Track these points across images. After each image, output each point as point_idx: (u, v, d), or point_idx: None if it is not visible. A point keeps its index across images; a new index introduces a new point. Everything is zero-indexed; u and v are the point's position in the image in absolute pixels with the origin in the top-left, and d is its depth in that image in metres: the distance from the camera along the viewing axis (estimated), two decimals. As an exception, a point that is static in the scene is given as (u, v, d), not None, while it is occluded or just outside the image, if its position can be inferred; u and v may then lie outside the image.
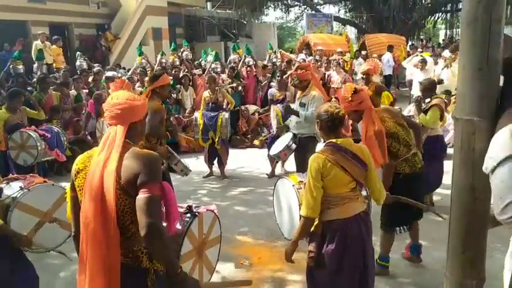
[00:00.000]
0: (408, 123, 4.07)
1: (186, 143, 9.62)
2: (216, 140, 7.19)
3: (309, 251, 2.90)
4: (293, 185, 3.29)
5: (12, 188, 3.06)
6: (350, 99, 3.58)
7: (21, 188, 3.01)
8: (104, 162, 2.00)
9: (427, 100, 5.71)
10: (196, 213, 2.34)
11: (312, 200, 2.75)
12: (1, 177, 3.15)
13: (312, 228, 2.92)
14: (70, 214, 2.22)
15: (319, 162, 2.78)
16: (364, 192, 3.05)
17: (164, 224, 2.05)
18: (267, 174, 7.44)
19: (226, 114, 7.34)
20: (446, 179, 6.58)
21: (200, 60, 11.93)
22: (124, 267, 1.98)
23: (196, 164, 8.39)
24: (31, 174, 3.40)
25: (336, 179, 2.79)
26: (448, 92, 9.28)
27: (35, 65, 10.01)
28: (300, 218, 2.85)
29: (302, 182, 3.23)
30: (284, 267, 4.31)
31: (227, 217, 5.61)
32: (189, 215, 2.33)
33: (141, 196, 1.90)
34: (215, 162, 7.58)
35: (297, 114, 5.40)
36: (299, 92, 5.66)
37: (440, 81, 9.25)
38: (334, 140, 2.87)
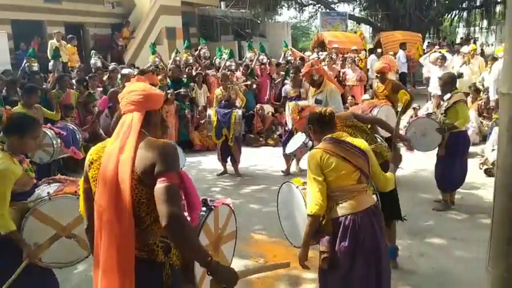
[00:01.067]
0: (365, 120, 4.03)
1: (200, 141, 9.59)
2: (230, 137, 7.15)
3: (321, 251, 2.78)
4: (297, 187, 3.15)
5: (43, 192, 2.91)
6: (298, 118, 3.83)
7: (47, 194, 2.81)
8: (119, 150, 1.94)
9: (447, 96, 5.55)
10: (212, 207, 2.28)
11: (317, 195, 2.67)
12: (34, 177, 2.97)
13: (323, 229, 2.81)
14: (83, 207, 2.17)
15: (316, 156, 2.75)
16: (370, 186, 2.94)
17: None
18: (282, 171, 7.36)
19: (240, 111, 7.29)
20: (467, 177, 6.49)
21: (215, 58, 11.88)
22: (139, 261, 1.92)
23: (210, 162, 8.37)
24: (72, 179, 3.17)
25: (338, 169, 2.72)
26: (470, 88, 9.10)
27: (51, 63, 10.05)
28: (308, 217, 2.74)
29: (306, 183, 3.10)
30: (299, 265, 4.22)
31: (241, 215, 5.53)
32: (204, 208, 2.26)
33: (160, 186, 1.84)
34: (228, 160, 7.53)
35: None
36: (312, 90, 5.57)
37: (460, 75, 9.05)
38: (329, 136, 2.86)
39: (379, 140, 3.99)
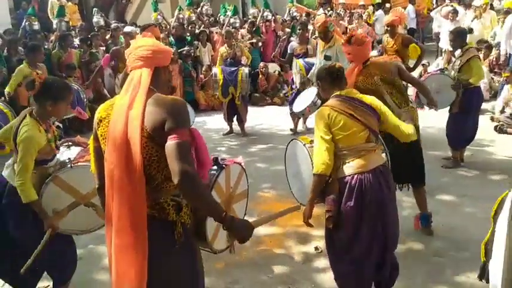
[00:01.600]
0: (408, 79, 3.96)
1: (205, 100, 9.50)
2: (237, 95, 7.03)
3: (326, 210, 2.73)
4: (304, 144, 3.06)
5: (64, 156, 2.87)
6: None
7: (68, 160, 2.79)
8: (128, 106, 1.87)
9: (458, 52, 5.38)
10: (224, 166, 2.23)
11: (324, 154, 2.60)
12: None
13: (329, 188, 2.75)
14: (93, 166, 2.13)
15: (324, 113, 2.67)
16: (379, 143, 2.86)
17: None
18: (291, 129, 7.30)
19: (246, 69, 7.14)
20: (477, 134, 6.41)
21: (219, 15, 11.55)
22: (150, 218, 1.89)
23: (215, 121, 8.31)
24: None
25: (346, 127, 2.64)
26: (480, 43, 8.84)
27: (55, 22, 9.78)
28: (314, 176, 2.69)
29: (313, 141, 3.01)
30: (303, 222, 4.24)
31: (249, 174, 5.40)
32: (215, 167, 2.22)
33: (171, 143, 1.78)
34: (234, 119, 7.45)
35: None
36: (321, 45, 5.40)
37: (471, 30, 8.78)
38: (338, 93, 2.77)
39: (411, 104, 3.90)
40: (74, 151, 2.96)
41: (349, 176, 2.65)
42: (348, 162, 2.66)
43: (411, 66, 6.43)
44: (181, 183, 1.75)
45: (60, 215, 2.75)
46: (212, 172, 2.20)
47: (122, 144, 1.84)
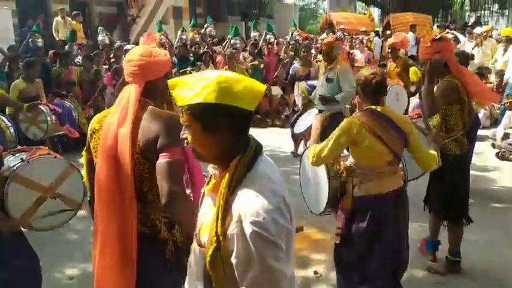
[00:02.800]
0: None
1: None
2: None
3: (337, 227, 2.70)
4: None
5: (15, 160, 2.77)
6: (429, 44, 3.30)
7: (22, 160, 2.69)
8: (118, 123, 1.83)
9: None
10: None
11: (326, 151, 2.57)
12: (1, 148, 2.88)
13: (342, 204, 2.72)
14: (86, 178, 2.07)
15: (353, 126, 2.57)
16: (400, 165, 2.81)
17: (188, 193, 1.88)
18: (291, 152, 7.22)
19: None
20: (475, 159, 6.34)
21: (229, 37, 11.58)
22: (141, 236, 1.82)
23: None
24: (38, 146, 3.11)
25: (371, 149, 2.55)
26: (483, 69, 8.88)
27: (67, 46, 9.79)
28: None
29: None
30: (307, 246, 4.15)
31: (248, 195, 5.42)
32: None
33: (162, 161, 1.73)
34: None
35: (334, 100, 5.11)
36: (323, 67, 5.39)
37: (472, 56, 8.83)
38: (373, 107, 2.62)
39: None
40: (19, 156, 2.84)
41: (366, 196, 2.60)
42: (366, 183, 2.60)
43: (412, 91, 6.42)
44: (168, 205, 1.69)
45: (29, 213, 2.64)
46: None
47: (112, 159, 1.80)
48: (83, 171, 2.12)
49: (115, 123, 1.84)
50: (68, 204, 2.60)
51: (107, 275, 1.82)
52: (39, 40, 8.67)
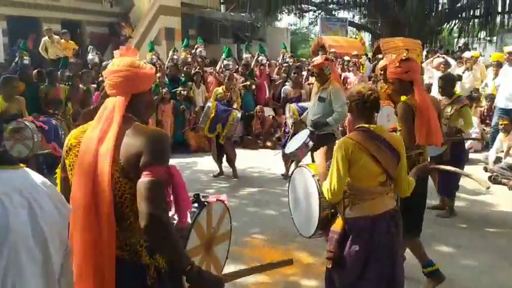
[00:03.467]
0: None
1: (196, 142, 9.35)
2: (223, 135, 6.88)
3: (328, 251, 2.57)
4: (313, 175, 2.95)
5: None
6: (397, 65, 3.40)
7: None
8: (99, 139, 1.70)
9: (442, 98, 5.37)
10: (205, 203, 2.03)
11: (336, 182, 2.41)
12: None
13: (334, 226, 2.60)
14: None
15: (348, 146, 2.46)
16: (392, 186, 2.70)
17: (172, 214, 1.75)
18: (282, 174, 7.10)
19: (239, 114, 7.05)
20: (468, 183, 6.28)
21: (222, 58, 11.57)
22: (120, 262, 1.68)
23: (205, 163, 8.12)
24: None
25: (365, 169, 2.46)
26: (471, 94, 8.94)
27: (59, 72, 9.69)
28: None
29: None
30: (298, 271, 4.00)
31: (237, 217, 5.27)
32: (196, 204, 2.03)
33: (144, 180, 1.60)
34: (224, 160, 7.29)
35: (327, 124, 5.05)
36: (316, 88, 5.35)
37: (460, 77, 8.90)
38: (366, 126, 2.54)
39: None
40: None
41: (358, 218, 2.49)
42: (358, 204, 2.50)
43: None
44: (148, 228, 1.56)
45: None
46: (192, 210, 2.00)
47: (90, 179, 1.66)
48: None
49: (95, 139, 1.71)
50: None
51: None
52: (26, 58, 8.60)
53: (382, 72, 6.29)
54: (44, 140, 5.36)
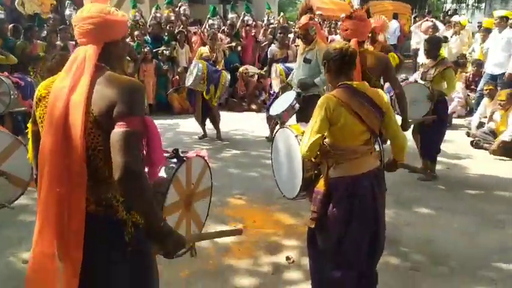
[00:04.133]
0: (393, 82, 3.83)
1: (179, 103, 9.19)
2: (217, 96, 6.73)
3: (312, 211, 2.54)
4: (296, 136, 2.90)
5: None
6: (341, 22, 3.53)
7: None
8: (70, 89, 1.60)
9: (427, 61, 5.32)
10: (184, 158, 1.96)
11: (312, 137, 2.36)
12: None
13: (317, 186, 2.56)
14: (31, 152, 1.84)
15: (330, 103, 2.39)
16: (376, 146, 2.67)
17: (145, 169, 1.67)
18: (266, 137, 7.05)
19: (228, 75, 6.89)
20: (450, 148, 6.34)
21: (208, 17, 11.19)
22: (95, 217, 1.62)
23: (189, 125, 8.02)
24: None
25: (348, 128, 2.40)
26: (457, 60, 8.91)
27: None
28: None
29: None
30: (279, 231, 4.02)
31: (220, 179, 5.24)
32: (175, 160, 1.96)
33: (117, 130, 1.52)
34: (207, 122, 7.20)
35: (314, 84, 4.94)
36: (302, 47, 5.22)
37: (446, 39, 8.83)
38: (348, 83, 2.46)
39: None
40: None
41: (341, 178, 2.45)
42: (342, 163, 2.45)
43: None
44: (121, 180, 1.49)
45: None
46: (171, 165, 1.93)
47: (60, 130, 1.58)
48: (29, 146, 1.89)
49: (66, 89, 1.61)
50: (13, 182, 2.34)
51: (45, 262, 1.60)
52: (1, 12, 8.21)
53: (369, 35, 6.18)
54: (20, 97, 5.16)
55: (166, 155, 2.02)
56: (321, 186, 2.53)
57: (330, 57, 2.49)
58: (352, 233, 2.45)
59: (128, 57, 5.94)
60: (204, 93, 6.73)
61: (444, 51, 8.06)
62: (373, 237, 2.51)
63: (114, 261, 1.66)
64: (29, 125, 1.86)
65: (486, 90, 7.33)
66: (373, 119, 2.43)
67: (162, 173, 1.90)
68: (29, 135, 1.87)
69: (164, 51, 9.10)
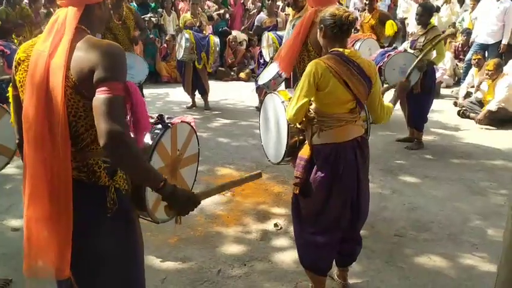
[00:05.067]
0: None
1: (167, 72, 9.08)
2: (210, 62, 6.65)
3: (295, 176, 2.55)
4: (282, 102, 2.89)
5: None
6: None
7: None
8: (50, 53, 1.56)
9: (417, 28, 5.30)
10: (169, 124, 1.94)
11: (298, 102, 2.34)
12: None
13: (301, 152, 2.57)
14: (13, 117, 1.81)
15: (318, 68, 2.35)
16: (363, 113, 2.66)
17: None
18: (256, 107, 7.02)
19: (216, 38, 6.77)
20: (437, 117, 6.40)
21: None
22: (77, 183, 1.60)
23: (177, 94, 7.95)
24: None
25: (334, 95, 2.37)
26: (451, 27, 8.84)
27: None
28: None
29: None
30: (268, 199, 4.06)
31: (209, 148, 5.27)
32: (159, 126, 1.94)
33: (99, 97, 1.48)
34: (196, 92, 7.13)
35: None
36: (292, 14, 5.13)
37: (438, 9, 8.75)
38: (340, 50, 2.41)
39: None
40: None
41: (324, 144, 2.45)
42: (325, 130, 2.44)
43: (386, 45, 6.28)
44: (108, 146, 1.46)
45: None
46: (156, 131, 1.91)
47: (41, 95, 1.54)
48: (11, 110, 1.85)
49: (45, 53, 1.57)
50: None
51: (38, 228, 1.60)
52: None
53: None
54: (5, 65, 5.03)
55: (151, 120, 1.99)
56: (304, 152, 2.54)
57: (327, 23, 2.41)
58: (334, 199, 2.47)
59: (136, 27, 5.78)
60: (196, 63, 6.65)
61: (434, 21, 7.99)
62: (355, 204, 2.54)
63: (96, 225, 1.66)
64: (10, 89, 1.82)
65: (474, 59, 7.34)
66: (360, 88, 2.39)
67: (147, 139, 1.89)
68: (10, 99, 1.83)
69: (151, 19, 8.90)
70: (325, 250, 2.58)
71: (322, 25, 2.46)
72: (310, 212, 2.55)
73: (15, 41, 6.25)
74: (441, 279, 2.97)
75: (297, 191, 2.54)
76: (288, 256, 3.19)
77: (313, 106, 2.49)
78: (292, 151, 2.84)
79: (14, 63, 1.70)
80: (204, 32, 6.90)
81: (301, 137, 2.76)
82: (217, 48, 6.72)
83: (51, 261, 1.57)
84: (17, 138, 1.80)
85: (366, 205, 2.65)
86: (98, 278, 1.69)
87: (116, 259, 1.71)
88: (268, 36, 6.42)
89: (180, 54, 6.65)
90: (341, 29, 2.39)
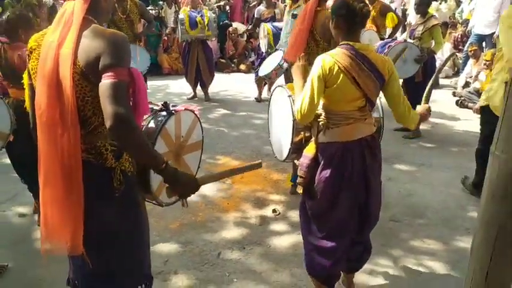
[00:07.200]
0: None
1: (168, 64, 9.15)
2: (206, 23, 6.66)
3: (299, 176, 2.45)
4: (289, 96, 2.79)
5: None
6: None
7: None
8: (59, 43, 1.66)
9: (416, 18, 5.36)
10: (173, 112, 2.04)
11: (308, 103, 2.19)
12: None
13: (306, 150, 2.47)
14: (28, 104, 1.92)
15: (326, 64, 2.18)
16: (375, 114, 2.57)
17: None
18: (255, 98, 7.11)
19: (211, 12, 6.87)
20: (435, 106, 6.46)
21: None
22: (85, 164, 1.70)
23: (178, 85, 8.03)
24: None
25: (343, 92, 2.21)
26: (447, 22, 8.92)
27: None
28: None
29: None
30: (266, 187, 4.16)
31: (209, 137, 5.32)
32: (164, 113, 2.03)
33: (105, 82, 1.58)
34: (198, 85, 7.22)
35: None
36: (289, 4, 5.21)
37: None
38: (351, 43, 2.24)
39: None
40: None
41: (331, 143, 2.32)
42: (332, 128, 2.30)
43: (386, 36, 6.33)
44: (113, 128, 1.55)
45: None
46: (160, 118, 2.01)
47: (52, 83, 1.64)
48: (25, 97, 1.96)
49: (55, 43, 1.67)
50: None
51: (53, 208, 1.72)
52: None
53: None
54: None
55: (156, 108, 2.10)
56: (309, 150, 2.43)
57: (340, 14, 2.25)
58: (342, 201, 2.34)
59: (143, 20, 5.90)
60: (193, 32, 6.69)
61: (433, 12, 8.04)
62: (364, 207, 2.41)
63: (104, 205, 1.76)
64: (24, 76, 1.93)
65: (470, 51, 7.40)
66: (371, 85, 2.23)
67: (152, 125, 1.99)
68: (25, 86, 1.95)
69: (151, 11, 8.94)
70: (333, 257, 2.43)
71: (333, 15, 2.30)
72: (317, 214, 2.44)
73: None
74: (434, 261, 3.08)
75: (301, 191, 2.47)
76: (285, 240, 3.30)
77: (320, 102, 2.35)
78: (297, 148, 2.75)
79: (27, 52, 1.81)
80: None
81: (307, 134, 2.65)
82: (215, 21, 6.83)
83: (66, 238, 1.68)
84: (31, 123, 1.91)
85: (376, 208, 2.50)
86: (105, 254, 1.80)
87: (123, 237, 1.82)
88: (264, 28, 6.49)
89: (178, 34, 6.96)
90: (355, 20, 2.24)
